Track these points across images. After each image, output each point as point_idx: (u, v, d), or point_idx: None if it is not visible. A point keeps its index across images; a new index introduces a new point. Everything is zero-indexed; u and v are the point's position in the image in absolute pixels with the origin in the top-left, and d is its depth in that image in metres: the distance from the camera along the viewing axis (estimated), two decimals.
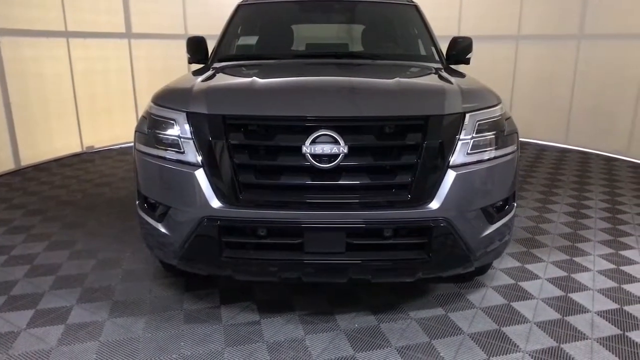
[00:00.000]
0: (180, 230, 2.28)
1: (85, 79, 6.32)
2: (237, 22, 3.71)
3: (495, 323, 2.48)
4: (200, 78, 2.65)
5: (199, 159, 2.21)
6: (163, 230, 2.35)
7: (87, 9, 6.23)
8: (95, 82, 6.49)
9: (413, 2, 3.83)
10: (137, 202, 2.59)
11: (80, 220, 3.93)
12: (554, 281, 2.93)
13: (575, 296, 2.75)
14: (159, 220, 2.38)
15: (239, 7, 3.80)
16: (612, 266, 3.13)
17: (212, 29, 4.34)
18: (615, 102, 6.28)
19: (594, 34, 6.43)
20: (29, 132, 5.62)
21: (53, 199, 4.49)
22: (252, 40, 3.78)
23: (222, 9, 4.65)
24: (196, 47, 3.43)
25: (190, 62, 3.51)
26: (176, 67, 6.50)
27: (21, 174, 5.39)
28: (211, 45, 3.52)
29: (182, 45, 3.53)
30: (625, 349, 2.27)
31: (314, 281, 2.71)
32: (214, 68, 3.04)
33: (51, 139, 5.99)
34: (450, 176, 2.18)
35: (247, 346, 2.29)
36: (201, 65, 3.35)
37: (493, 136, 2.32)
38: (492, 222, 2.36)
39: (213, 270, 2.43)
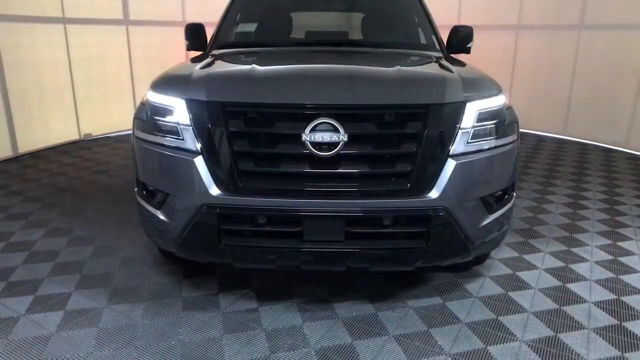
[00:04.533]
0: (179, 218, 2.27)
1: (82, 66, 6.26)
2: (235, 9, 3.67)
3: (493, 312, 2.50)
4: (199, 65, 2.63)
5: (198, 146, 2.20)
6: (162, 217, 2.35)
7: None
8: (93, 69, 6.43)
9: None
10: (135, 189, 2.58)
11: (79, 208, 3.92)
12: (551, 271, 2.94)
13: (573, 286, 2.76)
14: (157, 208, 2.37)
15: None
16: (610, 257, 3.14)
17: (210, 16, 4.30)
18: (615, 93, 6.26)
19: (594, 24, 6.39)
20: (26, 119, 5.59)
21: (51, 186, 4.47)
22: (251, 27, 3.74)
23: None
24: (195, 34, 3.40)
25: (188, 49, 3.48)
26: (174, 55, 6.45)
27: (19, 161, 5.37)
28: (210, 33, 3.49)
29: (180, 33, 3.50)
30: (622, 339, 2.29)
31: (313, 269, 2.71)
32: (212, 55, 3.02)
33: (48, 126, 5.96)
34: (450, 165, 2.18)
35: (245, 333, 2.30)
36: (200, 53, 3.32)
37: (493, 126, 2.31)
38: (491, 212, 2.36)
39: (212, 258, 2.43)
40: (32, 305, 2.51)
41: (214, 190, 2.18)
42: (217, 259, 2.41)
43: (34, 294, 2.62)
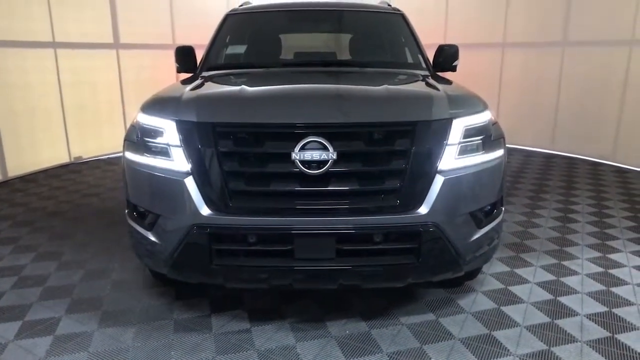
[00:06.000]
0: (170, 239, 2.27)
1: (73, 89, 6.28)
2: (225, 31, 3.72)
3: (486, 327, 2.50)
4: (189, 87, 2.66)
5: (189, 166, 2.21)
6: (153, 238, 2.34)
7: (74, 21, 6.21)
8: (83, 92, 6.45)
9: (399, 11, 3.88)
10: (126, 211, 2.57)
11: (69, 231, 3.89)
12: (543, 285, 2.95)
13: (565, 299, 2.77)
14: (148, 229, 2.37)
15: (227, 17, 3.82)
16: (600, 269, 3.16)
17: (200, 39, 4.35)
18: (600, 107, 6.39)
19: (577, 41, 6.55)
20: (16, 143, 5.57)
21: (41, 210, 4.44)
22: (240, 49, 3.80)
23: (210, 18, 4.67)
24: (185, 57, 3.44)
25: (179, 72, 3.51)
26: (165, 77, 6.49)
27: (8, 185, 5.33)
28: (200, 55, 3.53)
29: (171, 55, 3.54)
30: (614, 351, 2.29)
31: (305, 288, 2.71)
32: (202, 77, 3.05)
33: (38, 150, 5.94)
34: (438, 181, 2.20)
35: (237, 354, 2.28)
36: (190, 75, 3.36)
37: (480, 141, 2.35)
38: (480, 227, 2.38)
39: (203, 279, 2.42)
40: (21, 331, 2.47)
41: (205, 211, 2.18)
42: (208, 279, 2.40)
43: (23, 319, 2.58)
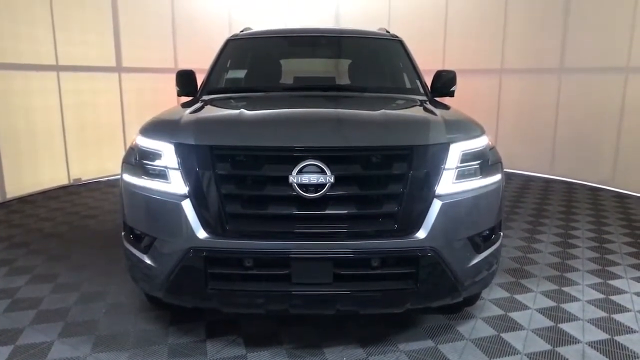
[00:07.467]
0: (166, 262, 2.25)
1: (74, 111, 6.33)
2: (226, 56, 3.77)
3: (486, 355, 2.45)
4: (188, 110, 2.68)
5: (186, 189, 2.21)
6: (148, 261, 2.32)
7: (78, 44, 6.30)
8: (85, 114, 6.50)
9: (398, 37, 3.94)
10: (122, 234, 2.56)
11: (65, 253, 3.86)
12: (543, 311, 2.91)
13: (566, 326, 2.73)
14: (144, 252, 2.35)
15: (228, 42, 3.87)
16: (602, 296, 3.13)
17: (202, 63, 4.40)
18: (598, 133, 6.42)
19: (574, 68, 6.64)
20: (15, 164, 5.58)
21: (37, 232, 4.41)
22: (241, 73, 3.84)
23: (212, 43, 4.74)
24: (185, 81, 3.47)
25: (179, 95, 3.55)
26: (166, 100, 6.55)
27: (6, 206, 5.31)
28: (200, 79, 3.56)
29: (173, 79, 3.58)
30: None
31: (302, 313, 2.67)
32: (202, 100, 3.08)
33: (38, 171, 5.95)
34: (436, 205, 2.20)
35: None
36: (190, 98, 3.39)
37: (477, 166, 2.35)
38: (479, 252, 2.36)
39: (199, 303, 2.39)
40: (12, 356, 2.42)
41: (201, 234, 2.17)
42: (204, 303, 2.37)
43: (14, 343, 2.54)
